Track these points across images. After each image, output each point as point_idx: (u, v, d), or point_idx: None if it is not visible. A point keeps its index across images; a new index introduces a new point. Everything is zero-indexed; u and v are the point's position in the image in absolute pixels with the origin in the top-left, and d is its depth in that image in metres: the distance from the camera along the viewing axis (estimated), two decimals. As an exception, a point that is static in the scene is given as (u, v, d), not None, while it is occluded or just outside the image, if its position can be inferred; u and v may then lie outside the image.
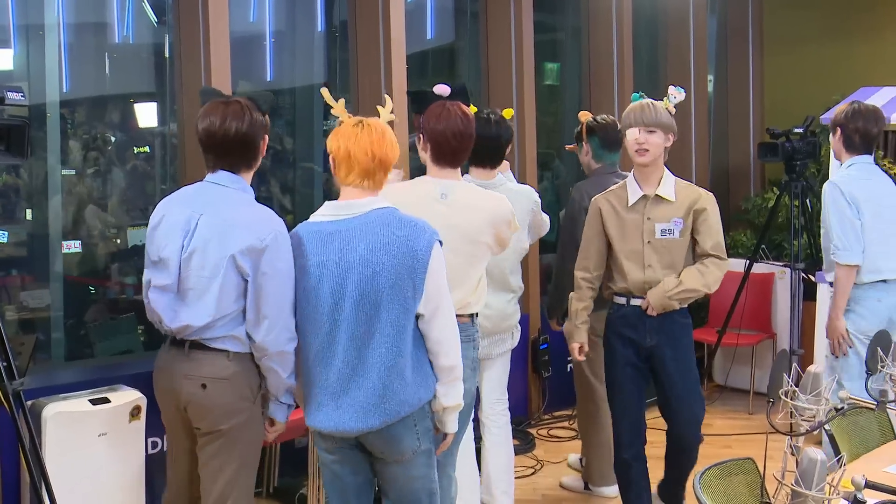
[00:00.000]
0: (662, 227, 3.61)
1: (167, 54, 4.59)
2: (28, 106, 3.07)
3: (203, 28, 4.25)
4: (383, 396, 2.68)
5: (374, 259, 2.64)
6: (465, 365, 3.18)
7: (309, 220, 2.80)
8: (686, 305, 3.72)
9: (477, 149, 3.46)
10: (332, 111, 2.84)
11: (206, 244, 2.84)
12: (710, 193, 3.68)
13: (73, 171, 4.63)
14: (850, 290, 4.02)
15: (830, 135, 4.26)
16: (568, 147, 4.70)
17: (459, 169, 3.32)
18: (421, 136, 3.25)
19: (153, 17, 4.73)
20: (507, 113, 3.93)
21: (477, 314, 3.33)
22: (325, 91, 2.98)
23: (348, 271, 2.65)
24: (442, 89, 3.13)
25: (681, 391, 3.72)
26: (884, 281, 4.04)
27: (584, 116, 4.48)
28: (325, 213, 2.76)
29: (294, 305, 2.76)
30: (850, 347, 4.05)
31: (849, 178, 4.09)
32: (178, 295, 2.89)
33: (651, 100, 3.66)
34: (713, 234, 3.62)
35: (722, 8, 7.55)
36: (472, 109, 3.97)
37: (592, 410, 4.39)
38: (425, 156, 3.28)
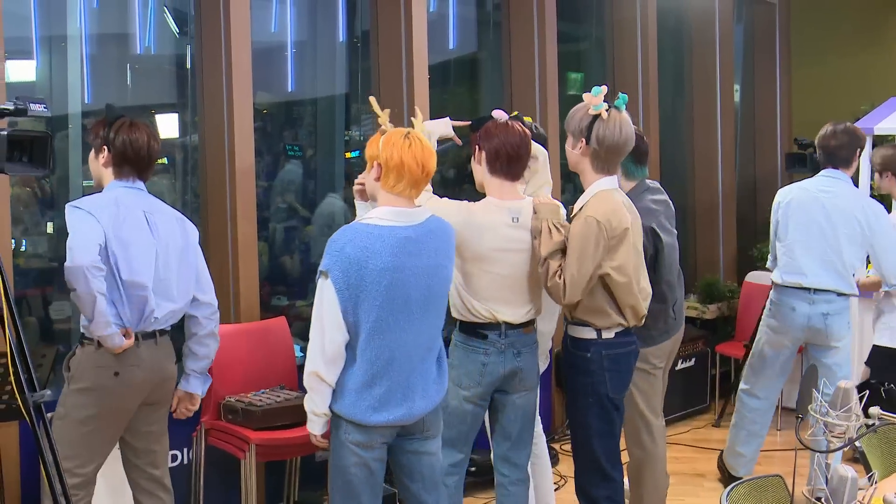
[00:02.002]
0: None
1: (189, 65, 4.60)
2: (51, 117, 3.09)
3: (225, 39, 4.26)
4: (439, 376, 2.95)
5: (442, 263, 2.88)
6: (534, 372, 3.37)
7: (367, 222, 2.80)
8: (583, 337, 3.30)
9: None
10: (378, 119, 2.94)
11: (177, 234, 3.21)
12: (592, 217, 3.18)
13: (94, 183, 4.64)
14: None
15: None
16: None
17: (517, 184, 3.30)
18: (477, 147, 3.27)
19: (175, 28, 4.75)
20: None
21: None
22: (372, 100, 3.14)
23: (424, 275, 2.81)
24: (499, 114, 3.25)
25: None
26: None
27: None
28: (389, 217, 2.80)
29: (361, 307, 2.77)
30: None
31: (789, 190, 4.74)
32: (157, 287, 3.13)
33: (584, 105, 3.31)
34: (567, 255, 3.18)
35: (748, 16, 7.49)
36: (528, 119, 3.99)
37: (649, 447, 3.90)
38: (480, 169, 3.28)
